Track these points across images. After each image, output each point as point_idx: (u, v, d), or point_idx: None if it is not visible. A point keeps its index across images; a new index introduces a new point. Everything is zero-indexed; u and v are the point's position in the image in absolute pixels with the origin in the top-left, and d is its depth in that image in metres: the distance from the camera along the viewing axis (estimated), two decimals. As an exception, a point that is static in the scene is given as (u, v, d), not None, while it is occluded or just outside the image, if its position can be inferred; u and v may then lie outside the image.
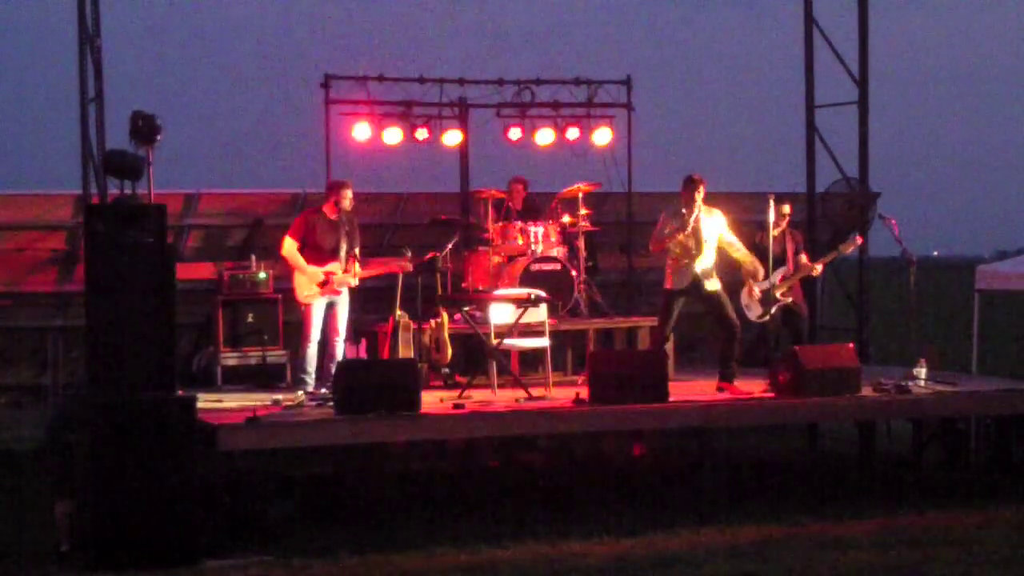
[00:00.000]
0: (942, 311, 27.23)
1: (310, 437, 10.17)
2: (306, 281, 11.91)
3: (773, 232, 12.10)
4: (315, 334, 11.90)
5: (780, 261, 12.62)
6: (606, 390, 10.67)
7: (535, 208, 13.74)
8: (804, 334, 12.91)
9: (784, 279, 12.55)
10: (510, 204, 13.63)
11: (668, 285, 11.61)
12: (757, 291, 12.38)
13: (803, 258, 12.85)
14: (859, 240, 13.10)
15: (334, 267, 11.94)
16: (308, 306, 11.91)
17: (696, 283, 11.45)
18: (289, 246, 11.97)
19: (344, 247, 11.95)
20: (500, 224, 13.21)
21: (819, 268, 12.92)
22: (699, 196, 11.38)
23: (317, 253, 11.93)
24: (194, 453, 9.27)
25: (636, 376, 10.77)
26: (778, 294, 12.30)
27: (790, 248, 12.77)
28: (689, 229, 11.32)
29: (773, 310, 12.36)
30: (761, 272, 11.98)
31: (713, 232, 11.47)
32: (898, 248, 12.68)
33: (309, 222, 12.01)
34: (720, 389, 11.49)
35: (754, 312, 12.37)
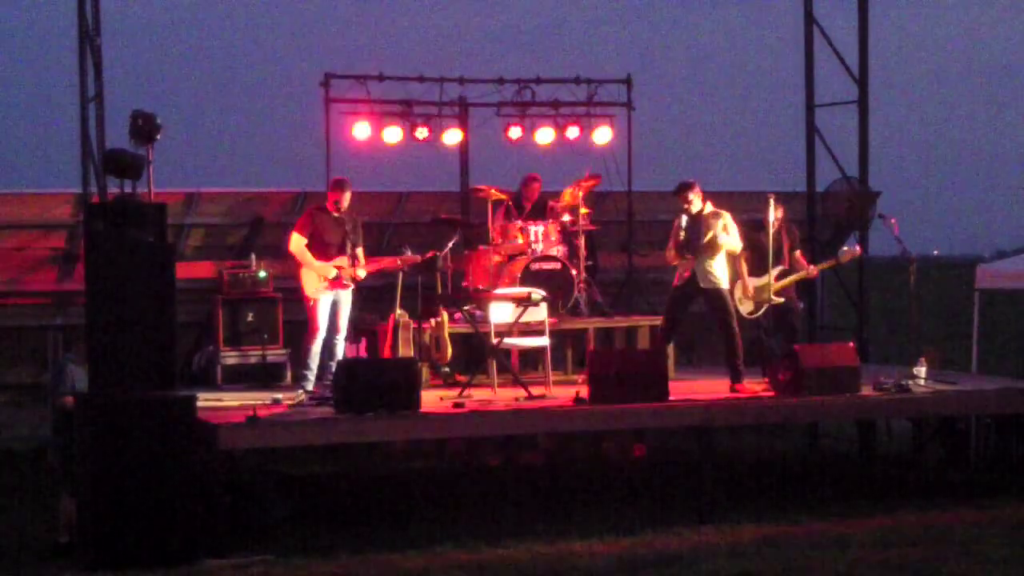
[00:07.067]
0: (942, 311, 27.21)
1: (310, 437, 10.15)
2: (315, 277, 11.90)
3: (771, 230, 12.09)
4: (322, 330, 11.89)
5: (777, 258, 12.60)
6: (606, 390, 10.66)
7: (545, 206, 13.71)
8: (798, 331, 12.90)
9: (780, 278, 12.51)
10: (525, 202, 13.62)
11: (674, 283, 11.67)
12: (751, 288, 12.39)
13: (798, 255, 12.85)
14: (858, 251, 13.07)
15: (341, 262, 11.94)
16: (315, 301, 11.90)
17: (693, 279, 11.47)
18: (297, 242, 11.95)
19: (349, 243, 11.97)
20: (500, 223, 13.20)
21: (815, 271, 12.93)
22: (693, 197, 11.45)
23: (323, 249, 11.93)
24: (194, 453, 9.27)
25: (636, 376, 10.76)
26: (771, 293, 12.26)
27: (786, 245, 12.76)
28: (683, 235, 11.40)
29: (763, 308, 12.34)
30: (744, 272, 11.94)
31: (712, 230, 11.48)
32: (898, 248, 12.67)
33: (315, 218, 12.02)
34: (733, 390, 11.50)
35: (745, 308, 12.37)
